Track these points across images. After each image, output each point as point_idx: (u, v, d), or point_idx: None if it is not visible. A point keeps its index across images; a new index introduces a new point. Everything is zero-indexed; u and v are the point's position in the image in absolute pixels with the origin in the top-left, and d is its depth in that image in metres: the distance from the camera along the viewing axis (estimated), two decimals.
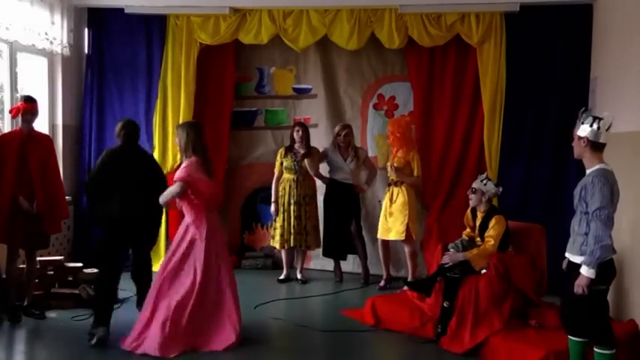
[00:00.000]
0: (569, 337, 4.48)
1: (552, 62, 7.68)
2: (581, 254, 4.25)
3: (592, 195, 4.18)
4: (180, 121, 8.28)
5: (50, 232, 6.39)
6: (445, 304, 5.76)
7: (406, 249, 7.52)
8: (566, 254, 4.47)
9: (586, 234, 4.23)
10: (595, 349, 4.38)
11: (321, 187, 8.09)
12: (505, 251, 5.96)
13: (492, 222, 5.91)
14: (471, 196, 6.14)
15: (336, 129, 7.94)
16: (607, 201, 4.16)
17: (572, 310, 4.41)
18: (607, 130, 4.29)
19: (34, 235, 6.12)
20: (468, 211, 6.37)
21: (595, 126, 4.27)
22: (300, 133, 7.80)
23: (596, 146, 4.30)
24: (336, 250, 7.98)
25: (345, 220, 7.85)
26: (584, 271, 4.17)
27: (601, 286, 4.26)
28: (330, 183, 7.97)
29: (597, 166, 4.29)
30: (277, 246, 7.97)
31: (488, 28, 7.67)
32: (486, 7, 7.63)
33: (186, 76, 8.32)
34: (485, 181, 6.07)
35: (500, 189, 6.12)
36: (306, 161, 7.73)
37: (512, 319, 5.56)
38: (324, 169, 8.06)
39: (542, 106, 7.65)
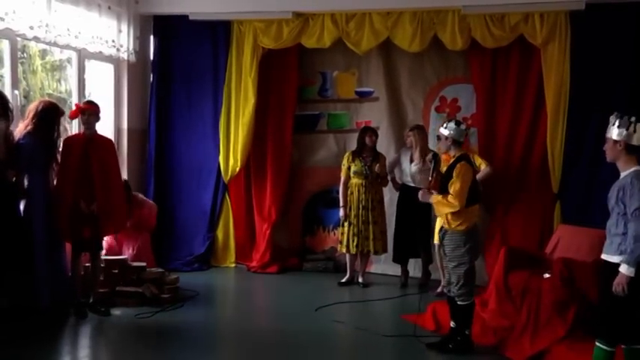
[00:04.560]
0: (598, 344, 4.39)
1: (620, 63, 7.41)
2: (620, 254, 4.25)
3: (631, 196, 4.19)
4: (242, 126, 8.45)
5: (107, 233, 6.62)
6: (452, 325, 5.58)
7: None
8: (603, 256, 4.43)
9: (624, 234, 4.23)
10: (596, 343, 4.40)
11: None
12: (473, 204, 5.47)
13: (454, 173, 5.41)
14: (437, 143, 5.77)
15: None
16: None
17: (609, 313, 4.37)
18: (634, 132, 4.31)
19: (90, 240, 6.33)
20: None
21: (631, 129, 4.28)
22: (374, 138, 7.81)
23: (631, 149, 4.32)
24: (399, 255, 7.94)
25: (407, 223, 7.78)
26: (624, 269, 4.16)
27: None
28: (400, 186, 7.95)
29: (634, 168, 4.30)
30: (344, 250, 7.96)
31: (552, 28, 7.49)
32: (551, 6, 7.44)
33: (249, 81, 8.44)
34: (445, 124, 5.59)
35: (463, 126, 5.57)
36: (377, 167, 7.72)
37: (577, 329, 5.36)
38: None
39: (607, 108, 7.22)
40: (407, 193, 7.79)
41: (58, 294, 6.04)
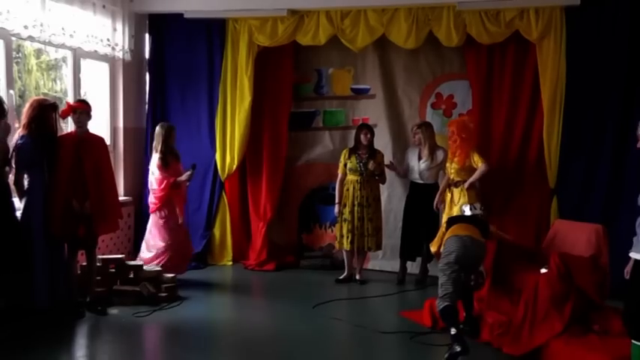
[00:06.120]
0: (634, 342, 4.33)
1: (615, 58, 7.41)
2: None
3: None
4: (238, 124, 8.46)
5: (101, 232, 6.58)
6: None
7: None
8: (636, 255, 4.33)
9: None
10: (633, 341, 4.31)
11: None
12: None
13: None
14: None
15: None
16: None
17: None
18: None
19: (85, 237, 6.31)
20: None
21: None
22: (369, 136, 7.77)
23: None
24: (406, 252, 7.93)
25: (415, 220, 7.78)
26: None
27: None
28: (410, 183, 7.94)
29: None
30: (338, 246, 7.97)
31: (547, 24, 7.48)
32: (546, 1, 7.44)
33: (245, 79, 8.45)
34: None
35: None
36: (370, 163, 7.70)
37: (574, 324, 5.35)
38: None
39: (603, 103, 7.42)
40: (415, 191, 7.83)
41: (56, 294, 6.03)
